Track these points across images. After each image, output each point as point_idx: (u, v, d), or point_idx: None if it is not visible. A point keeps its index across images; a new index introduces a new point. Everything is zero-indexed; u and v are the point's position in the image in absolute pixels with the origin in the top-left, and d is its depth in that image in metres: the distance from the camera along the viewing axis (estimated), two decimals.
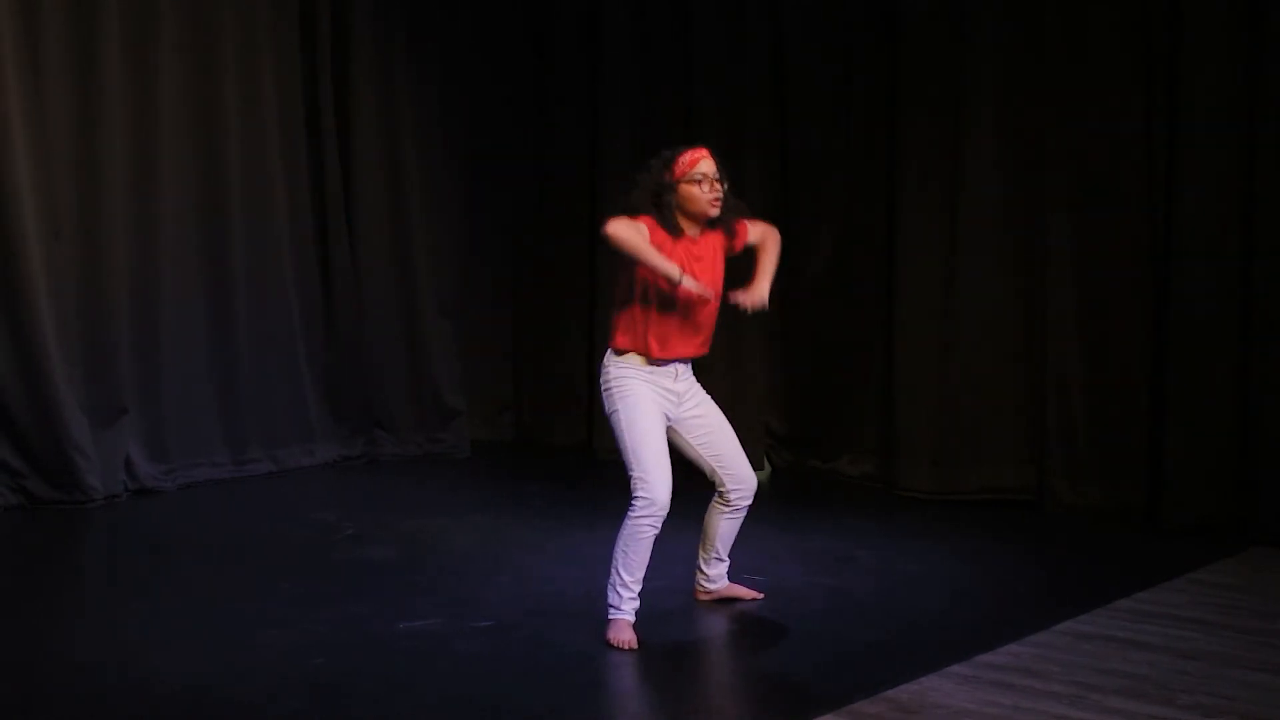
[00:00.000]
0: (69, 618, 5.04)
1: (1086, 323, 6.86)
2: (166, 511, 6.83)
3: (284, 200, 7.81)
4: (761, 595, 5.20)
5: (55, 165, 6.78)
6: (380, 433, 8.30)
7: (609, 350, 4.78)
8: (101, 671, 4.35)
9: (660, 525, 4.61)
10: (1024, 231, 7.07)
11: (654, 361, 4.70)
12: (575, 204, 8.74)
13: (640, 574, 4.64)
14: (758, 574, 5.42)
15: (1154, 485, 6.61)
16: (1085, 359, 6.86)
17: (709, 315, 4.77)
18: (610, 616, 4.65)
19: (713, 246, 4.76)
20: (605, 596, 4.67)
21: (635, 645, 4.55)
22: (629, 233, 4.56)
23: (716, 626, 4.98)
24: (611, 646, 4.55)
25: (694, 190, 4.64)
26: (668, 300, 4.64)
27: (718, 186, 4.67)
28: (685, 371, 4.82)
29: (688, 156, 4.67)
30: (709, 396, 4.92)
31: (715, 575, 5.14)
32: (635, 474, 4.60)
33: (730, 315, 4.98)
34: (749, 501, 5.01)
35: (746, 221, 4.89)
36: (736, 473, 4.96)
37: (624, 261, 4.67)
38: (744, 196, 7.87)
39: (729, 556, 5.13)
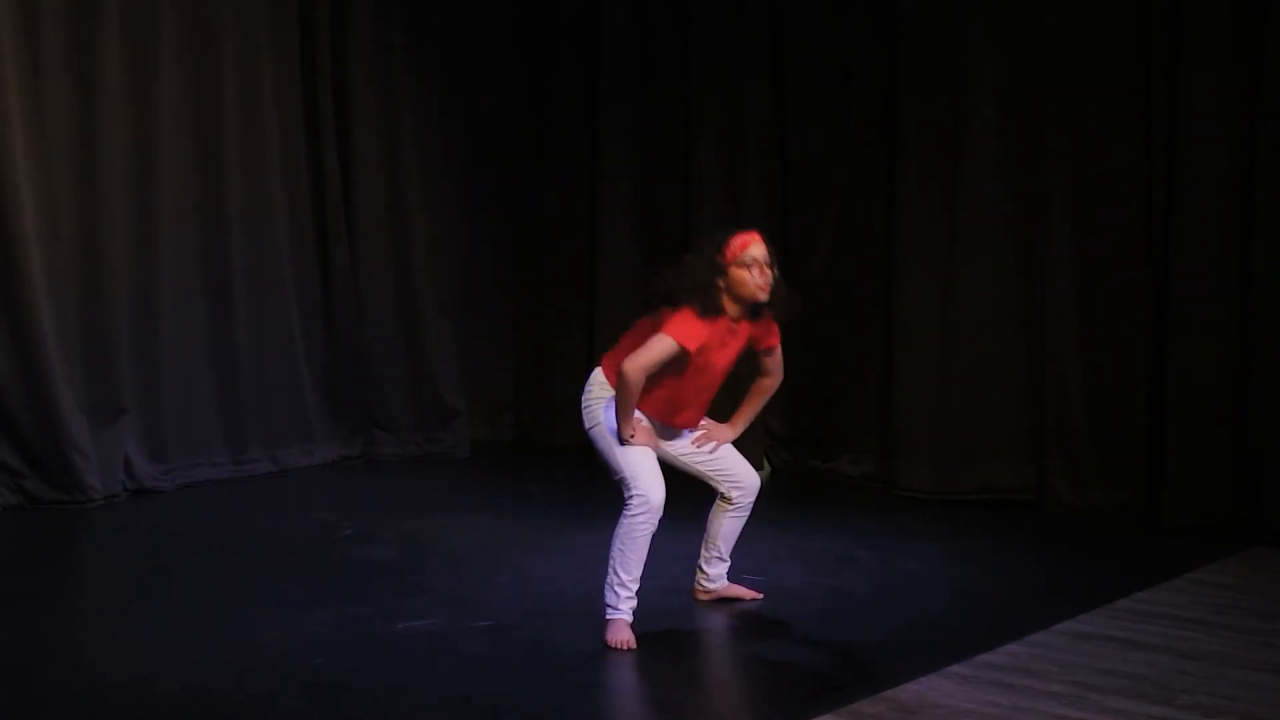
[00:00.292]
0: (68, 618, 5.04)
1: (1086, 322, 6.86)
2: (166, 511, 6.83)
3: (283, 200, 7.81)
4: (761, 595, 5.21)
5: (55, 165, 6.77)
6: (379, 433, 8.30)
7: (598, 374, 4.79)
8: (101, 671, 4.35)
9: (656, 524, 4.60)
10: (1023, 232, 7.07)
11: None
12: (575, 204, 8.75)
13: (638, 573, 4.63)
14: (758, 574, 5.42)
15: (1154, 485, 6.61)
16: (1085, 359, 6.86)
17: (711, 389, 4.81)
18: (609, 616, 4.64)
19: (742, 335, 4.76)
20: (603, 596, 4.67)
21: (634, 645, 4.55)
22: (630, 390, 4.51)
23: (716, 626, 4.98)
24: (610, 647, 4.55)
25: (744, 274, 4.61)
26: (677, 381, 4.66)
27: (768, 272, 4.65)
28: (683, 435, 4.91)
29: (739, 240, 4.64)
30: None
31: (715, 575, 5.14)
32: (626, 475, 4.59)
33: None
34: (752, 500, 5.03)
35: (777, 338, 4.89)
36: (736, 476, 4.97)
37: (650, 329, 4.65)
38: (743, 197, 7.99)
39: (730, 557, 5.13)
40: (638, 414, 4.64)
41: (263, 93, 7.66)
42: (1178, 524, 6.40)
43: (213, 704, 4.04)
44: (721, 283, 4.60)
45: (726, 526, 5.04)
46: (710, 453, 4.92)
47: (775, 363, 4.96)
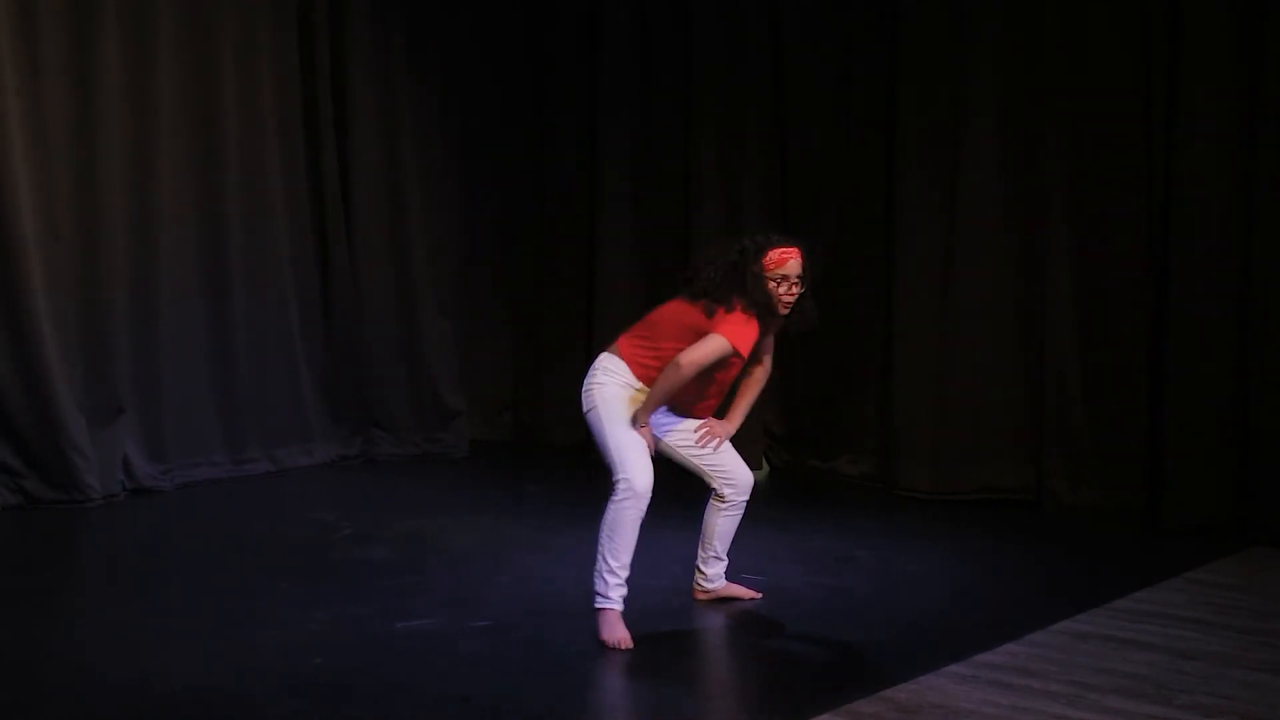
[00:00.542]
0: (67, 617, 5.04)
1: (1086, 323, 6.86)
2: (165, 511, 6.83)
3: (283, 200, 7.81)
4: (760, 595, 5.20)
5: (53, 165, 6.78)
6: (379, 432, 8.30)
7: (608, 358, 4.77)
8: (100, 671, 4.35)
9: (644, 510, 4.58)
10: (1023, 231, 7.08)
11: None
12: (575, 204, 8.75)
13: (627, 559, 4.60)
14: (757, 574, 5.42)
15: (1153, 485, 6.61)
16: (1084, 359, 6.86)
17: (727, 384, 4.85)
18: (598, 606, 4.61)
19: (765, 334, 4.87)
20: (593, 585, 4.63)
21: (630, 645, 4.52)
22: (677, 381, 4.57)
23: (715, 626, 4.98)
24: (606, 646, 4.52)
25: (773, 288, 4.67)
26: (706, 374, 4.68)
27: (795, 290, 4.69)
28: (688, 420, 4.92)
29: (777, 254, 4.68)
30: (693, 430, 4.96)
31: (714, 575, 5.14)
32: (614, 460, 4.59)
33: None
34: (746, 498, 5.03)
35: (773, 339, 5.00)
36: (730, 472, 4.98)
37: (683, 314, 4.69)
38: (743, 197, 7.99)
39: (727, 556, 5.13)
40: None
41: (262, 93, 7.65)
42: (1177, 524, 6.40)
43: (211, 703, 4.04)
44: (761, 290, 4.65)
45: (722, 525, 5.04)
46: (712, 450, 4.91)
47: (768, 352, 5.02)
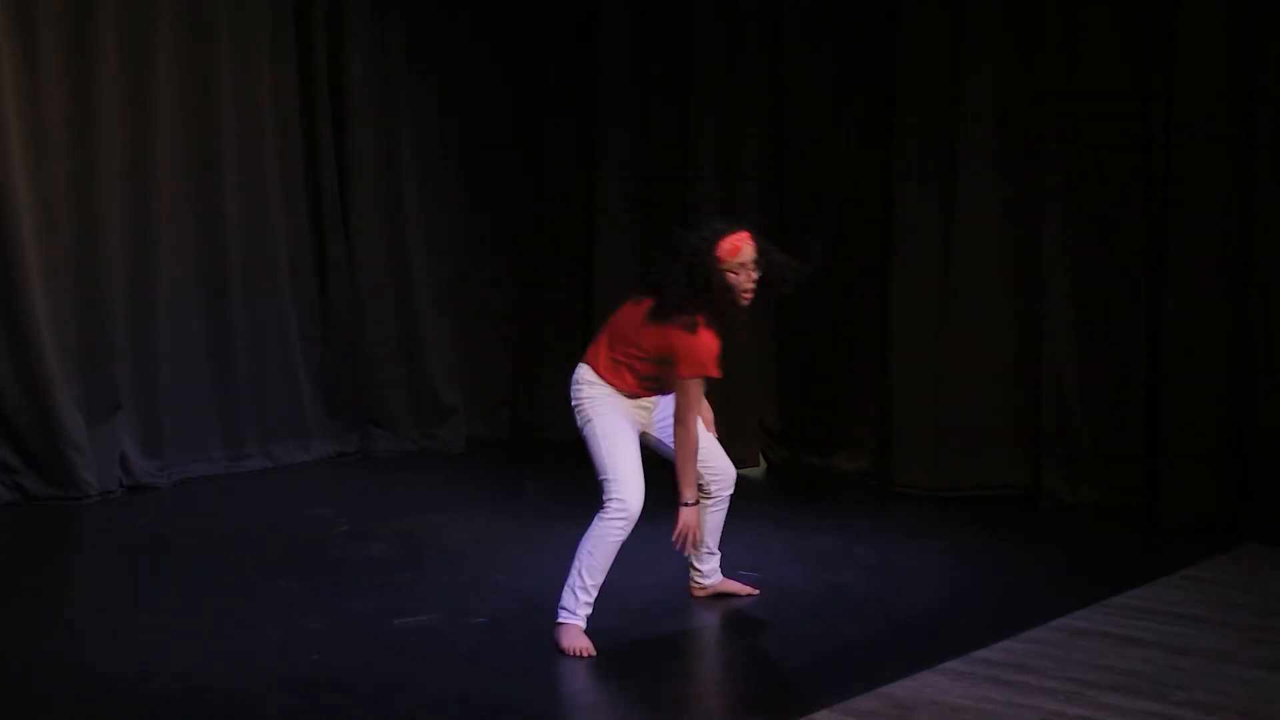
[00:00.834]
0: (64, 614, 5.04)
1: (1084, 320, 6.86)
2: (161, 507, 6.82)
3: (280, 197, 7.79)
4: (757, 591, 5.20)
5: (52, 163, 6.77)
6: (375, 429, 8.29)
7: (584, 366, 4.71)
8: (97, 668, 4.35)
9: (629, 532, 4.54)
10: (1021, 230, 7.07)
11: (632, 395, 4.70)
12: (573, 202, 8.74)
13: (600, 579, 4.55)
14: (754, 571, 5.42)
15: (1151, 483, 6.61)
16: (1082, 356, 6.86)
17: None
18: (561, 619, 4.55)
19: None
20: (560, 597, 4.58)
21: (592, 653, 4.46)
22: (692, 449, 4.57)
23: (712, 623, 4.99)
24: (565, 654, 4.45)
25: (732, 278, 4.54)
26: (666, 381, 4.63)
27: (754, 275, 4.56)
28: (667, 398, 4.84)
29: (729, 243, 4.53)
30: None
31: (709, 570, 5.13)
32: (610, 478, 4.53)
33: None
34: (730, 491, 5.00)
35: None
36: (714, 466, 4.94)
37: (637, 320, 4.61)
38: (742, 196, 7.98)
39: (719, 549, 5.11)
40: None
41: (260, 91, 7.64)
42: (1175, 522, 6.40)
43: (208, 700, 4.04)
44: (728, 290, 4.53)
45: (709, 520, 5.00)
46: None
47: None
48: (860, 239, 7.67)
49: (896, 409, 7.41)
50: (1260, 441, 6.28)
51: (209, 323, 7.52)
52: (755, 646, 4.82)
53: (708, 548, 5.08)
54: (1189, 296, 6.43)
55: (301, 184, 7.94)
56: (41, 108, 6.72)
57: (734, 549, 5.16)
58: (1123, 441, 6.74)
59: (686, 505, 4.58)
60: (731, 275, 4.53)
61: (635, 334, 4.62)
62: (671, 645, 4.73)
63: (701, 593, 5.15)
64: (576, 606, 4.55)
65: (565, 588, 4.57)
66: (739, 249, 4.54)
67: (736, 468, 5.13)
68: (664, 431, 4.83)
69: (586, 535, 4.56)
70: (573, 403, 4.73)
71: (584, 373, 4.72)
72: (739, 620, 4.99)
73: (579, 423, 4.71)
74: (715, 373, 4.54)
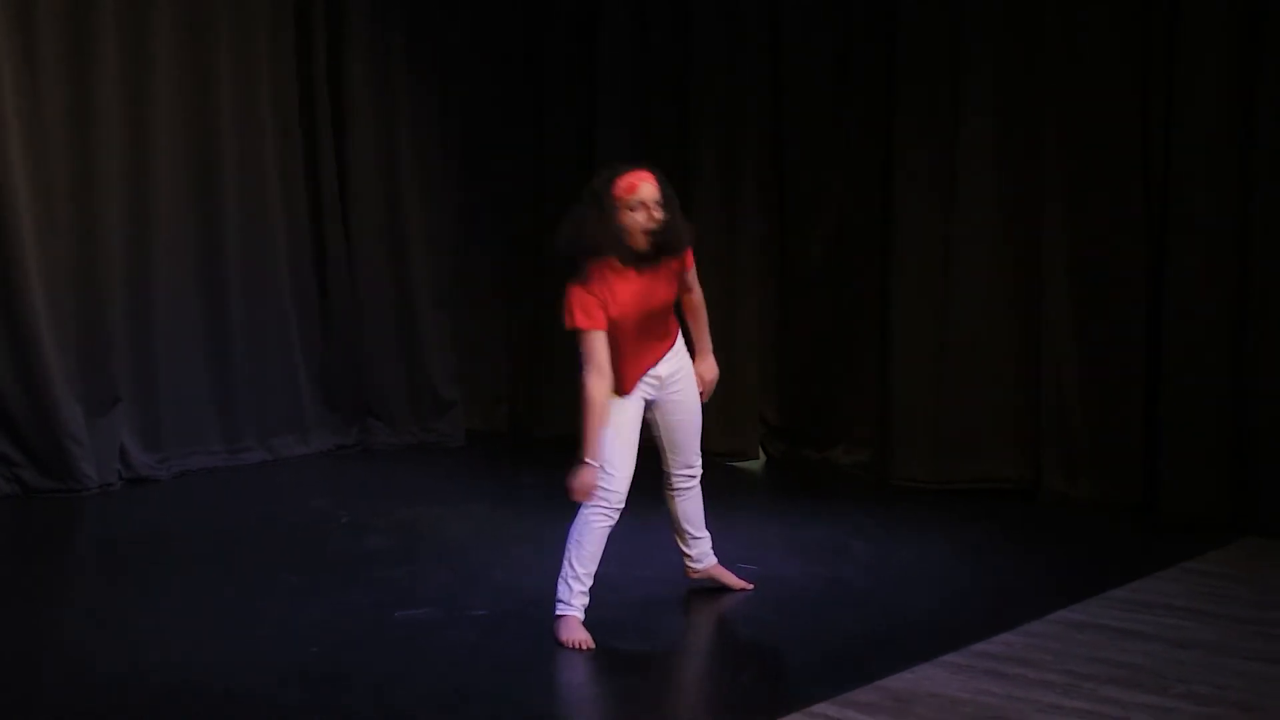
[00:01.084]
0: (62, 607, 5.05)
1: (1083, 316, 6.85)
2: (161, 500, 6.83)
3: (280, 197, 7.80)
4: (751, 587, 5.16)
5: (51, 162, 6.79)
6: (374, 421, 8.30)
7: None
8: (95, 661, 4.35)
9: (614, 519, 4.52)
10: (1020, 227, 7.07)
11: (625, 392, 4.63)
12: (572, 200, 8.67)
13: (592, 568, 4.54)
14: (752, 564, 5.42)
15: (1149, 478, 6.61)
16: (1081, 351, 6.86)
17: (664, 317, 4.68)
18: (559, 613, 4.54)
19: (668, 272, 4.61)
20: (555, 590, 4.56)
21: (591, 645, 4.44)
22: (597, 407, 4.42)
23: (711, 616, 4.99)
24: (566, 647, 4.44)
25: (629, 216, 4.45)
26: (628, 336, 4.53)
27: (656, 215, 4.45)
28: (669, 355, 4.71)
29: (626, 181, 4.45)
30: (693, 378, 4.83)
31: (699, 553, 5.07)
32: (598, 464, 4.47)
33: (723, 308, 4.96)
34: (697, 476, 4.91)
35: (692, 259, 4.70)
36: (684, 455, 4.86)
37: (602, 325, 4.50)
38: (741, 195, 7.97)
39: (707, 531, 5.05)
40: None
41: (260, 91, 7.64)
42: (1173, 516, 6.40)
43: (207, 694, 4.05)
44: (619, 224, 4.42)
45: (684, 508, 4.93)
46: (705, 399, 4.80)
47: (693, 278, 4.76)
48: (860, 239, 7.67)
49: (896, 404, 7.41)
50: (1259, 439, 6.28)
51: (209, 321, 7.53)
52: (753, 640, 4.82)
53: (691, 533, 5.01)
54: (1188, 293, 6.43)
55: (301, 184, 7.95)
56: (41, 108, 6.73)
57: (733, 542, 5.17)
58: (1122, 439, 6.73)
59: (582, 464, 4.44)
60: (629, 213, 4.45)
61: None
62: (670, 638, 4.73)
63: (697, 575, 5.10)
64: (571, 597, 4.54)
65: (559, 580, 4.56)
66: (636, 186, 4.46)
67: (736, 461, 5.13)
68: (666, 410, 4.75)
69: (573, 525, 4.55)
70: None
71: None
72: (737, 613, 5.00)
73: None
74: (569, 323, 4.42)
